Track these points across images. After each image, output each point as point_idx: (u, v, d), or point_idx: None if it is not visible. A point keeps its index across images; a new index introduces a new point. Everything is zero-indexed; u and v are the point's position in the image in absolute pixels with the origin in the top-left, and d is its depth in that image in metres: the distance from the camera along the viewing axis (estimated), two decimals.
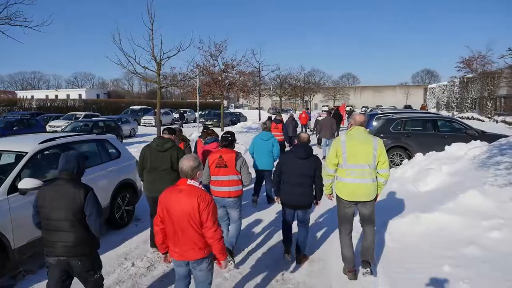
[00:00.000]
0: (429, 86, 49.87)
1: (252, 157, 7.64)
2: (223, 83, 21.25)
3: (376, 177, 4.28)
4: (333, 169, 4.41)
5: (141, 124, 32.28)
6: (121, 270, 4.91)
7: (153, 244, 5.36)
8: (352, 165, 4.22)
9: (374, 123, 13.67)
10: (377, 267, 4.43)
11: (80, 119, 22.72)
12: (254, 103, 33.60)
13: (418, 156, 9.15)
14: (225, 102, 69.09)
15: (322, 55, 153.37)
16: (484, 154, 7.53)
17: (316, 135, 18.09)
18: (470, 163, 7.31)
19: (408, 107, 59.64)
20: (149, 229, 5.52)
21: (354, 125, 4.39)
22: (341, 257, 4.54)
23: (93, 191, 3.30)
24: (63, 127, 19.49)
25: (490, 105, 28.52)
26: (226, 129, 26.96)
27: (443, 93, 41.60)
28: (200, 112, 42.32)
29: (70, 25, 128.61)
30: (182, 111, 36.81)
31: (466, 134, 10.86)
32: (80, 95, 63.10)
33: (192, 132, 22.76)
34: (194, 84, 21.66)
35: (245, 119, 38.38)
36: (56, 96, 58.68)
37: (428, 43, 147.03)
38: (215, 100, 49.18)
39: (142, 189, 5.92)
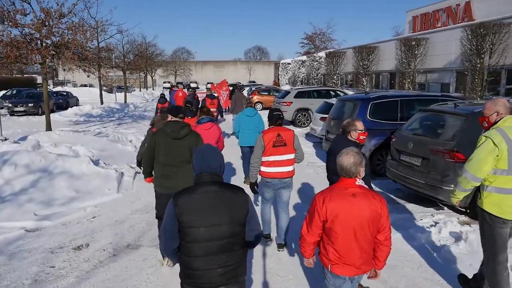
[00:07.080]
0: (281, 61, 47.92)
1: (237, 136, 7.54)
2: (44, 44, 12.43)
3: None
4: (483, 178, 3.25)
5: None
6: None
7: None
8: None
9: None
10: None
11: None
12: (101, 78, 24.27)
13: None
14: (38, 78, 53.85)
15: (152, 28, 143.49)
16: None
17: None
18: None
19: (252, 82, 58.17)
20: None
21: (506, 113, 3.20)
22: None
23: None
24: None
25: (365, 81, 27.01)
26: (53, 116, 17.93)
27: (299, 68, 39.87)
28: (3, 92, 30.05)
29: None
30: None
31: None
32: None
33: None
34: None
35: (76, 101, 28.51)
36: None
37: (259, 21, 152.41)
38: (24, 75, 35.61)
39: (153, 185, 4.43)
